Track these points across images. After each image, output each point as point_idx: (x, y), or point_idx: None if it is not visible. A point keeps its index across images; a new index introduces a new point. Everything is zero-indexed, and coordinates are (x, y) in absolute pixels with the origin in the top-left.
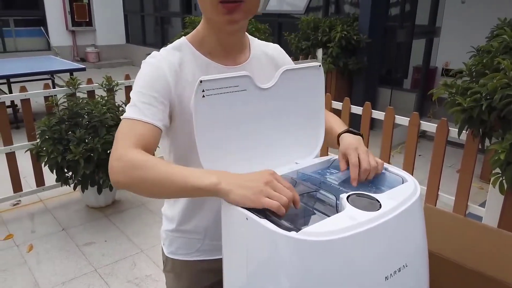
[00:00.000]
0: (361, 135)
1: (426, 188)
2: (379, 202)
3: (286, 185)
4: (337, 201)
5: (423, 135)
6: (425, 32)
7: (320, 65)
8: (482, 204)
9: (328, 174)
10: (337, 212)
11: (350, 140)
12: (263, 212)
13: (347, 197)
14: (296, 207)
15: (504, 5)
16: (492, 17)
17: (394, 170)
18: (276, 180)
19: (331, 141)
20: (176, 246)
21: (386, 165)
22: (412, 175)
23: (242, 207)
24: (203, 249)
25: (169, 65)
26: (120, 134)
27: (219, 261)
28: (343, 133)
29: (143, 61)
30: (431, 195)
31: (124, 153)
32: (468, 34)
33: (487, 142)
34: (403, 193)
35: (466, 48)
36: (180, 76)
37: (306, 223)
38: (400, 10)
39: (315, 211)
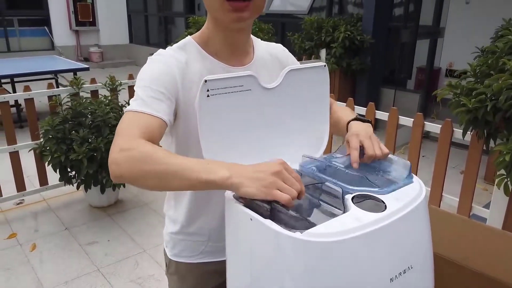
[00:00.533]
0: (370, 122)
1: (430, 189)
2: (384, 203)
3: (295, 176)
4: (343, 193)
5: (426, 136)
6: (429, 32)
7: (325, 65)
8: (486, 206)
9: (334, 158)
10: (343, 203)
11: (355, 127)
12: (269, 202)
13: (352, 198)
14: (299, 198)
15: (509, 6)
16: (497, 18)
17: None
18: (286, 171)
19: (341, 132)
20: (180, 248)
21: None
22: (416, 175)
23: (248, 203)
24: (207, 251)
25: (177, 64)
26: (123, 125)
27: (224, 262)
28: (352, 121)
29: (149, 57)
30: (435, 196)
31: (128, 144)
32: (472, 34)
33: (491, 143)
34: (408, 194)
35: (470, 49)
36: (187, 75)
37: (310, 215)
38: (404, 10)
39: (320, 202)
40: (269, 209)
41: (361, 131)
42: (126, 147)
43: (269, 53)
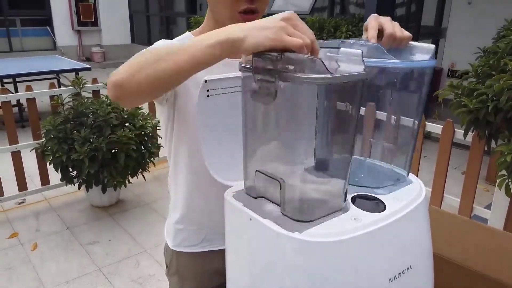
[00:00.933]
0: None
1: (431, 189)
2: (384, 203)
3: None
4: (363, 54)
5: (428, 136)
6: (430, 33)
7: None
8: (488, 206)
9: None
10: (363, 63)
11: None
12: (280, 53)
13: (352, 198)
14: (313, 52)
15: (510, 7)
16: (499, 18)
17: (400, 172)
18: (297, 20)
19: None
20: (182, 237)
21: (391, 166)
22: (417, 176)
23: (255, 66)
24: (209, 239)
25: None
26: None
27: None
28: None
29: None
30: (436, 196)
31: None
32: (474, 34)
33: (493, 144)
34: (408, 194)
35: (472, 49)
36: None
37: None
38: (406, 10)
39: (338, 64)
40: (280, 57)
41: (380, 16)
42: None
43: None
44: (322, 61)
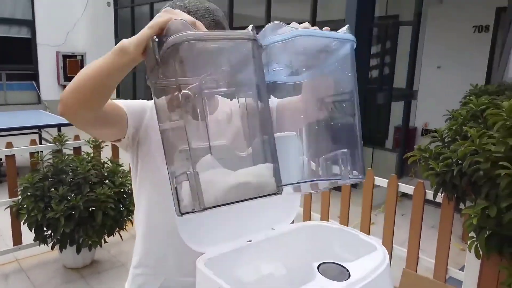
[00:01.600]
0: None
1: (406, 250)
2: (348, 271)
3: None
4: (253, 27)
5: (405, 194)
6: (403, 95)
7: None
8: (463, 267)
9: None
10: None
11: None
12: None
13: (318, 266)
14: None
15: (478, 71)
16: (467, 81)
17: (365, 238)
18: (172, 10)
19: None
20: (139, 283)
21: (357, 232)
22: (393, 236)
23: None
24: (166, 286)
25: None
26: None
27: None
28: None
29: None
30: (412, 258)
31: None
32: (444, 96)
33: (462, 205)
34: (372, 262)
35: (443, 110)
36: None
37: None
38: (379, 73)
39: None
40: (154, 38)
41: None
42: None
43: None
44: (185, 21)
